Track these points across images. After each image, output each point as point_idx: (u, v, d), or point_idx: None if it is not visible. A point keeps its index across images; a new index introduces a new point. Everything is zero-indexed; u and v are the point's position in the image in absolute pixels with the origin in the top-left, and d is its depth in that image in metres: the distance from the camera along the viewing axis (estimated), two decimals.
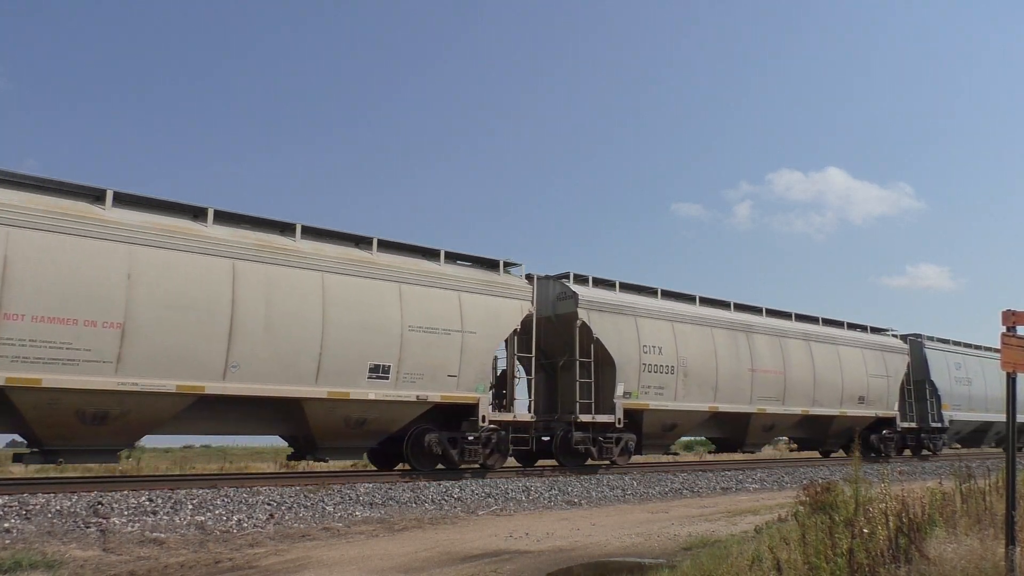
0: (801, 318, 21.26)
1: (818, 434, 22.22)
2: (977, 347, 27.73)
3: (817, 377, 20.51)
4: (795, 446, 24.70)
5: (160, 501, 9.40)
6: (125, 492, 9.80)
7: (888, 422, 23.11)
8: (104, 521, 8.43)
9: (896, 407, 23.27)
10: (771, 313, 20.42)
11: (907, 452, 25.05)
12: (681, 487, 14.80)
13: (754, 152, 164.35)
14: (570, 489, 13.36)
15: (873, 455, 22.92)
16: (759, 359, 19.09)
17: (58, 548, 7.20)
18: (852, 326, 22.95)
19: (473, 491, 12.21)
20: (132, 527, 8.36)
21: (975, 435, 28.24)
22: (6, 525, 7.97)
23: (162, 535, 8.09)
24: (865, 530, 5.39)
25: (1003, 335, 5.92)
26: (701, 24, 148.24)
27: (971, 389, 26.43)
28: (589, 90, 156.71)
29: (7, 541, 7.42)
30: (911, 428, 24.25)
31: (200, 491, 10.23)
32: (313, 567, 6.79)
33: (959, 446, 29.49)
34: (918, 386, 24.69)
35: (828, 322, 22.22)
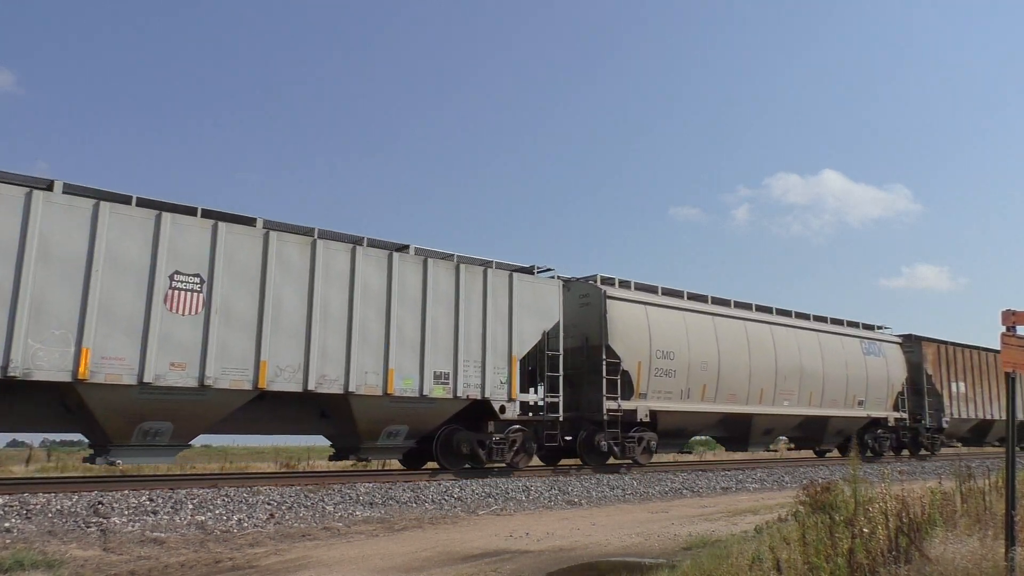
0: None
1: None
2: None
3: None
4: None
5: (160, 501, 9.41)
6: (125, 492, 9.80)
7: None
8: (104, 521, 8.44)
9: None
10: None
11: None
12: (681, 487, 14.81)
13: (752, 156, 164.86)
14: (570, 489, 13.37)
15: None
16: None
17: (59, 548, 7.20)
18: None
19: (473, 491, 12.21)
20: (132, 527, 8.36)
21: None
22: (7, 525, 7.98)
23: (162, 535, 8.09)
24: (865, 530, 5.40)
25: (1003, 335, 5.92)
26: (698, 31, 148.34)
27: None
28: (587, 95, 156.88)
29: (8, 540, 7.42)
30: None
31: (200, 491, 10.23)
32: (313, 567, 6.79)
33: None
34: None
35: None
